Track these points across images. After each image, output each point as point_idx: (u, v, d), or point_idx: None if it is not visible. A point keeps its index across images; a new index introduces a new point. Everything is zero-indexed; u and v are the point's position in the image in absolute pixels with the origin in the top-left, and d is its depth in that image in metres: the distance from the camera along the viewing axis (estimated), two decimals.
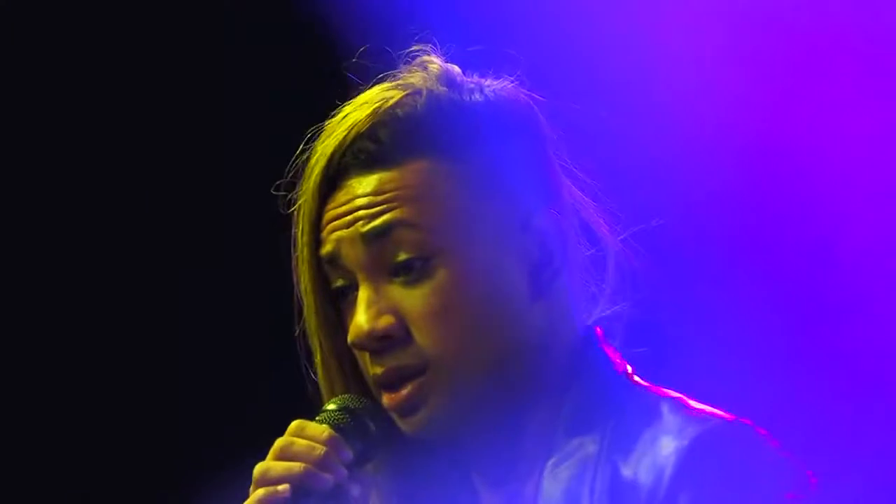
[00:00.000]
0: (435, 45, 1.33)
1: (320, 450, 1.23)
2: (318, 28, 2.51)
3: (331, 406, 1.28)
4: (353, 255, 1.26)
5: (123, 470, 2.80)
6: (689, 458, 1.15)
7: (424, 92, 1.27)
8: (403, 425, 1.26)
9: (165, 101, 2.81)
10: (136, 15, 2.77)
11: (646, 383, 1.27)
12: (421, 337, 1.23)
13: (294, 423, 1.26)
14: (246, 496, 1.25)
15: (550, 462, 1.23)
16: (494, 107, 1.28)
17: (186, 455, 2.82)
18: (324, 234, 1.28)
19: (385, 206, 1.24)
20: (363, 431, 1.27)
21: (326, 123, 1.29)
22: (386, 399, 1.25)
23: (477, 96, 1.28)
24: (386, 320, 1.24)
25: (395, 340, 1.24)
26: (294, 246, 1.32)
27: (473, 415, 1.25)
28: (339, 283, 1.28)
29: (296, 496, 1.22)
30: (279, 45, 2.75)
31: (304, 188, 1.29)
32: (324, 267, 1.28)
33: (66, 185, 2.81)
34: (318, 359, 1.32)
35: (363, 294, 1.25)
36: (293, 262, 1.33)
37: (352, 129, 1.26)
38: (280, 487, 1.22)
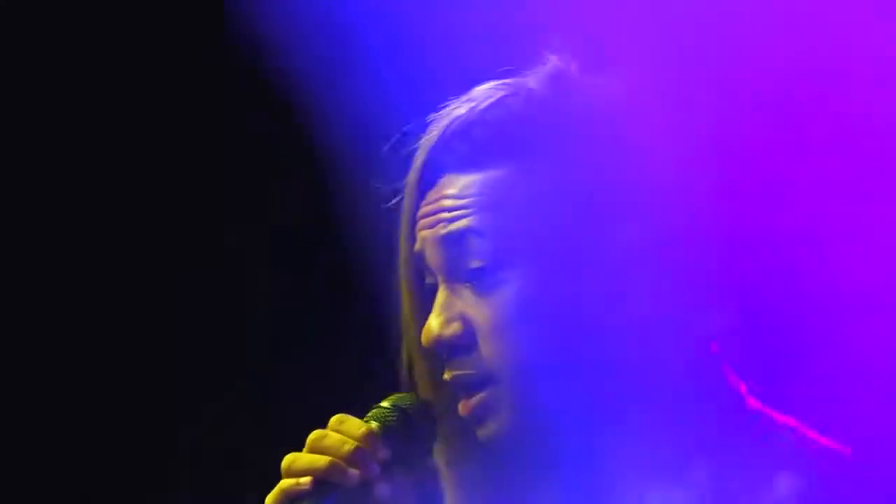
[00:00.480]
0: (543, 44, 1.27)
1: (350, 445, 1.21)
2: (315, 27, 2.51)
3: (385, 403, 1.27)
4: (434, 257, 1.24)
5: (123, 470, 2.79)
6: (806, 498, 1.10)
7: (523, 94, 1.23)
8: (477, 433, 1.23)
9: (165, 100, 2.80)
10: (137, 13, 2.75)
11: (759, 405, 1.21)
12: (485, 349, 1.21)
13: (334, 417, 1.25)
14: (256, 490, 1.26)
15: (651, 488, 1.18)
16: (589, 112, 1.22)
17: (186, 455, 2.81)
18: (416, 230, 1.27)
19: (463, 211, 1.22)
20: (408, 432, 1.25)
21: (432, 117, 1.27)
22: (459, 405, 1.23)
23: (577, 99, 1.22)
24: (454, 328, 1.22)
25: (462, 349, 1.22)
26: (398, 237, 1.31)
27: (547, 433, 1.20)
28: (429, 280, 1.26)
29: (318, 490, 1.21)
30: (279, 46, 2.74)
31: (406, 181, 1.28)
32: (419, 262, 1.27)
33: (66, 184, 2.80)
34: (403, 350, 1.32)
35: (440, 297, 1.24)
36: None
37: (450, 126, 1.24)
38: (302, 480, 1.21)
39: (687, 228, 1.20)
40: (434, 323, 1.23)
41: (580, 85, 1.23)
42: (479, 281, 1.21)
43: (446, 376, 1.24)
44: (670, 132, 1.19)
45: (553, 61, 1.24)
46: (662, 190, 1.19)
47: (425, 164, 1.25)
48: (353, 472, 1.21)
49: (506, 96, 1.23)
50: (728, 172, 1.21)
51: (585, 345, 1.19)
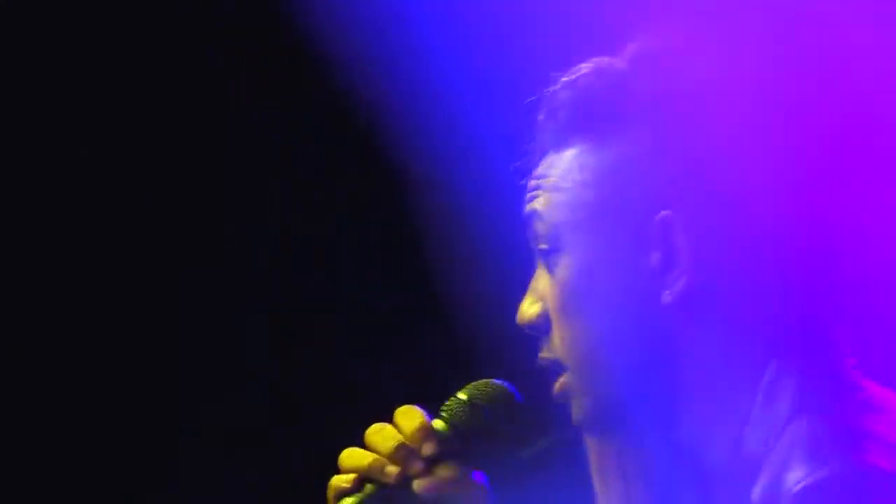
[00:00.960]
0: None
1: (394, 441, 1.21)
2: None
3: (461, 393, 1.25)
4: (529, 233, 1.24)
5: (124, 470, 2.78)
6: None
7: (606, 71, 1.19)
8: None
9: (166, 99, 2.78)
10: (139, 13, 2.74)
11: (863, 378, 1.14)
12: (554, 332, 1.20)
13: (400, 408, 1.24)
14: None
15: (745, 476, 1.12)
16: (664, 92, 1.17)
17: (185, 455, 2.80)
18: None
19: (534, 192, 1.22)
20: (473, 426, 1.23)
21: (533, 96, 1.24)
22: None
23: (664, 78, 1.17)
24: (534, 309, 1.21)
25: (543, 331, 1.21)
26: None
27: (626, 419, 1.18)
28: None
29: (361, 487, 1.21)
30: (278, 45, 2.73)
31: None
32: None
33: (65, 184, 2.78)
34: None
35: (534, 275, 1.23)
36: None
37: (549, 102, 1.22)
38: (346, 476, 1.22)
39: (773, 212, 1.15)
40: (523, 303, 1.22)
41: (668, 64, 1.19)
42: (547, 262, 1.20)
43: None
44: (762, 115, 1.15)
45: (640, 40, 1.21)
46: (747, 175, 1.16)
47: (526, 145, 1.24)
48: (393, 469, 1.21)
49: (588, 73, 1.20)
50: (822, 157, 1.14)
51: (636, 329, 1.16)
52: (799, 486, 1.06)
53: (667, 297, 1.13)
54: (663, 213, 1.13)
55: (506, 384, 1.26)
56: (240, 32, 2.73)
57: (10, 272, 2.75)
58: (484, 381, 1.26)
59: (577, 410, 1.19)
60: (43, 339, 2.76)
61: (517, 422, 1.25)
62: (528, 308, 1.21)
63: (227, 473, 2.76)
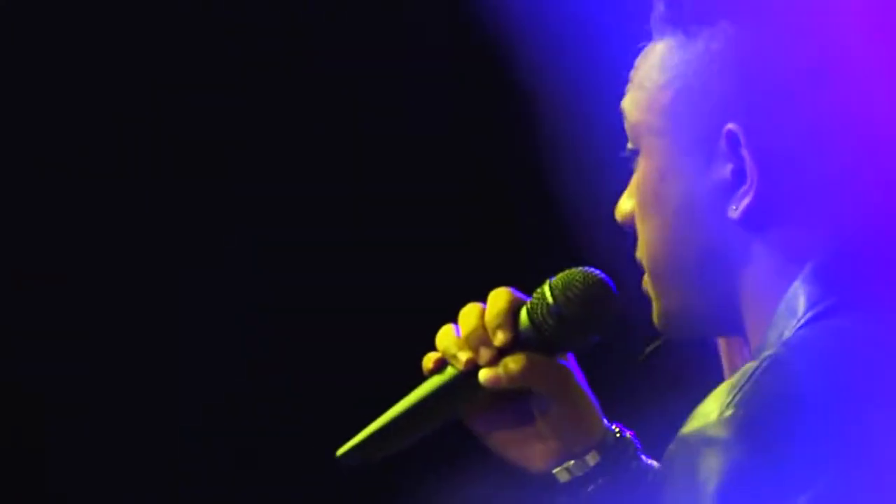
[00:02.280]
0: None
1: (468, 327, 1.17)
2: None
3: (548, 290, 1.17)
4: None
5: (124, 470, 2.74)
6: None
7: None
8: None
9: (166, 98, 2.76)
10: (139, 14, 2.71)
11: None
12: (637, 231, 1.14)
13: (495, 290, 1.19)
14: None
15: None
16: None
17: (184, 454, 2.76)
18: None
19: (627, 86, 1.16)
20: (555, 328, 1.17)
21: None
22: None
23: None
24: (627, 207, 1.15)
25: (632, 227, 1.15)
26: None
27: (692, 326, 1.13)
28: None
29: (441, 369, 1.19)
30: (276, 45, 2.72)
31: None
32: None
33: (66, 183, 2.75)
34: None
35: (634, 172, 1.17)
36: None
37: None
38: (432, 356, 1.20)
39: (850, 139, 1.08)
40: (619, 200, 1.17)
41: None
42: (631, 161, 1.15)
43: None
44: (853, 37, 1.08)
45: None
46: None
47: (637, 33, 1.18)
48: (463, 356, 1.17)
49: None
50: None
51: (701, 240, 1.09)
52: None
53: (733, 211, 1.07)
54: (732, 125, 1.06)
55: (603, 277, 1.19)
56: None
57: (9, 271, 2.72)
58: (580, 273, 1.19)
59: (658, 314, 1.12)
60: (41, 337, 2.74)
61: (609, 321, 1.19)
62: (622, 205, 1.16)
63: (229, 471, 2.74)
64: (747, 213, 1.06)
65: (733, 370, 1.18)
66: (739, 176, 1.06)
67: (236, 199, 2.76)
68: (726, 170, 1.07)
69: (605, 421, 1.22)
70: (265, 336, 2.76)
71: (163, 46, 2.72)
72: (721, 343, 1.27)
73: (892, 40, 1.07)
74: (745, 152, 1.06)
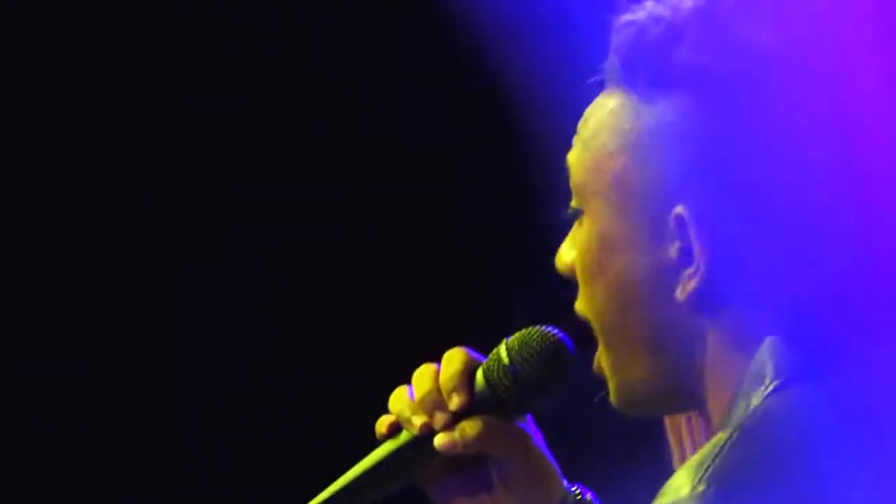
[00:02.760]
0: None
1: (422, 390, 1.13)
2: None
3: (504, 351, 1.12)
4: None
5: (124, 469, 2.74)
6: None
7: (665, 19, 1.05)
8: None
9: (166, 98, 2.74)
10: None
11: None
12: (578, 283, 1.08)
13: (449, 351, 1.14)
14: None
15: None
16: (717, 63, 1.03)
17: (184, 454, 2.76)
18: None
19: (575, 139, 1.10)
20: (511, 389, 1.12)
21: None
22: None
23: (716, 44, 1.03)
24: (568, 257, 1.09)
25: (573, 277, 1.09)
26: None
27: (658, 397, 1.07)
28: None
29: (394, 434, 1.14)
30: (275, 45, 2.70)
31: None
32: None
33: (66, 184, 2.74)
34: None
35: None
36: None
37: (617, 44, 1.08)
38: (384, 420, 1.15)
39: (805, 228, 1.03)
40: (560, 248, 1.11)
41: (729, 33, 1.04)
42: (575, 217, 1.10)
43: None
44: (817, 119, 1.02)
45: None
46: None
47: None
48: (418, 420, 1.12)
49: (646, 18, 1.06)
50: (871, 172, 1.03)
51: (642, 311, 1.05)
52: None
53: (680, 293, 1.02)
54: (681, 208, 1.01)
55: (560, 336, 1.14)
56: None
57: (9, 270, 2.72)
58: (537, 332, 1.14)
59: (610, 392, 1.07)
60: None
61: (564, 379, 1.14)
62: (564, 255, 1.10)
63: (228, 470, 2.74)
64: (695, 295, 1.02)
65: (682, 446, 1.15)
66: (686, 257, 1.02)
67: (236, 199, 2.74)
68: (673, 249, 1.02)
69: (566, 483, 1.17)
70: (265, 336, 2.75)
71: (163, 46, 2.70)
72: (666, 420, 1.24)
73: (843, 130, 1.03)
74: (692, 235, 1.01)
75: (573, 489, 1.17)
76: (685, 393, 1.05)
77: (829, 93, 1.02)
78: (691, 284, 1.01)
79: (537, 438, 1.16)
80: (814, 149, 1.01)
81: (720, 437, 0.94)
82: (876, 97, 1.00)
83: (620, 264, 1.04)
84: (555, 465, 1.17)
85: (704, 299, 1.02)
